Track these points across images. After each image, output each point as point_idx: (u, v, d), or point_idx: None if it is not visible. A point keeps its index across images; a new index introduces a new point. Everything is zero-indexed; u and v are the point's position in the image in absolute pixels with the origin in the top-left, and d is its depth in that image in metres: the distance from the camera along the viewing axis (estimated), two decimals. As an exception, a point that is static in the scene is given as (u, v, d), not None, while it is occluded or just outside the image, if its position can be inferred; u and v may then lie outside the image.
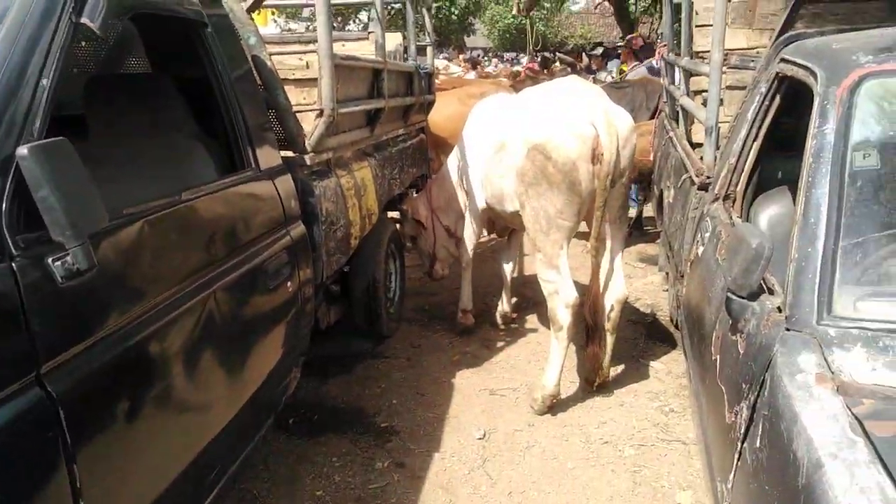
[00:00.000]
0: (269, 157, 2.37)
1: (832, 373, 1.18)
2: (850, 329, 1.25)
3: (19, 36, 1.39)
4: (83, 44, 1.56)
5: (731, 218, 2.00)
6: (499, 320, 3.93)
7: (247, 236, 2.06)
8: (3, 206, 1.21)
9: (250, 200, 2.16)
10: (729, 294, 1.48)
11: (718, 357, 1.59)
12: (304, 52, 3.47)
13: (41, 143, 1.25)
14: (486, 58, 20.24)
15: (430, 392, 3.17)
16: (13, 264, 1.20)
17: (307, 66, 3.80)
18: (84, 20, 1.52)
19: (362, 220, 3.11)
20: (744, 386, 1.37)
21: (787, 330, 1.31)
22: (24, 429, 1.16)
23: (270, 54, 2.68)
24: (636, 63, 7.52)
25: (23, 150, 1.22)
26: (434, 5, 5.69)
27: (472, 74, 10.91)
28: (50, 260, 1.26)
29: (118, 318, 1.44)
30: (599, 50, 11.07)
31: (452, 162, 3.95)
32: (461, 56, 15.70)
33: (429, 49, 5.19)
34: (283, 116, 2.63)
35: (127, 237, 1.52)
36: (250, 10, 2.78)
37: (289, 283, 2.27)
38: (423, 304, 4.32)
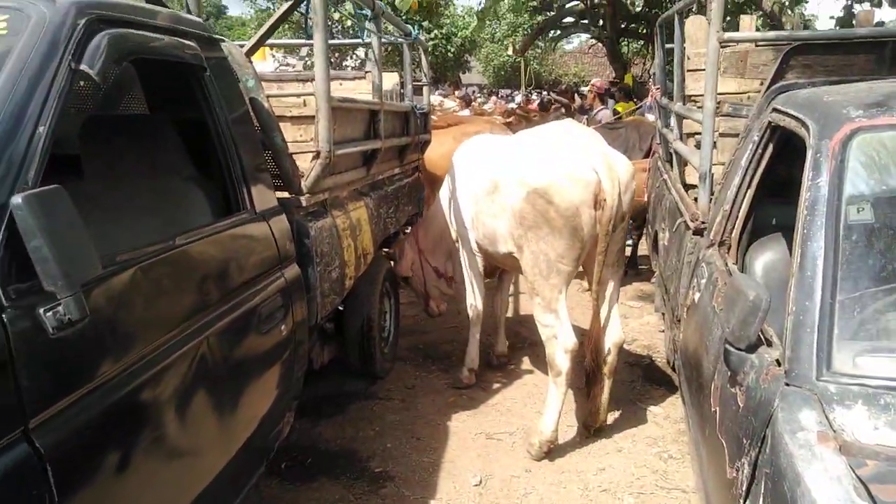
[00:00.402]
0: (264, 198, 2.37)
1: (834, 431, 1.17)
2: (850, 386, 1.24)
3: (18, 82, 1.39)
4: (81, 83, 1.56)
5: (726, 265, 2.00)
6: (494, 360, 3.89)
7: (241, 280, 2.04)
8: (-4, 255, 1.20)
9: (245, 243, 2.15)
10: (727, 346, 1.47)
11: (718, 409, 1.57)
12: (302, 94, 3.51)
13: (36, 191, 1.23)
14: (480, 94, 20.53)
15: (426, 435, 3.12)
16: (3, 316, 1.17)
17: (304, 104, 3.85)
18: (83, 67, 1.52)
19: (357, 260, 3.10)
20: (745, 441, 1.35)
21: (787, 385, 1.29)
22: (10, 487, 1.12)
23: (269, 95, 2.71)
24: (602, 107, 7.70)
25: (17, 199, 1.20)
26: (430, 43, 5.82)
27: (466, 111, 11.03)
28: (41, 310, 1.23)
29: (109, 369, 1.41)
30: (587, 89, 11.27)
31: (439, 203, 3.94)
32: (456, 92, 15.91)
33: (425, 89, 5.27)
34: (279, 158, 2.64)
35: (120, 285, 1.50)
36: (249, 53, 2.82)
37: (283, 327, 2.25)
38: (418, 343, 4.28)
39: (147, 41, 1.83)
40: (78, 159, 1.80)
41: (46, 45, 1.47)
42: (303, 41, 6.40)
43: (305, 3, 2.82)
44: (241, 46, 2.82)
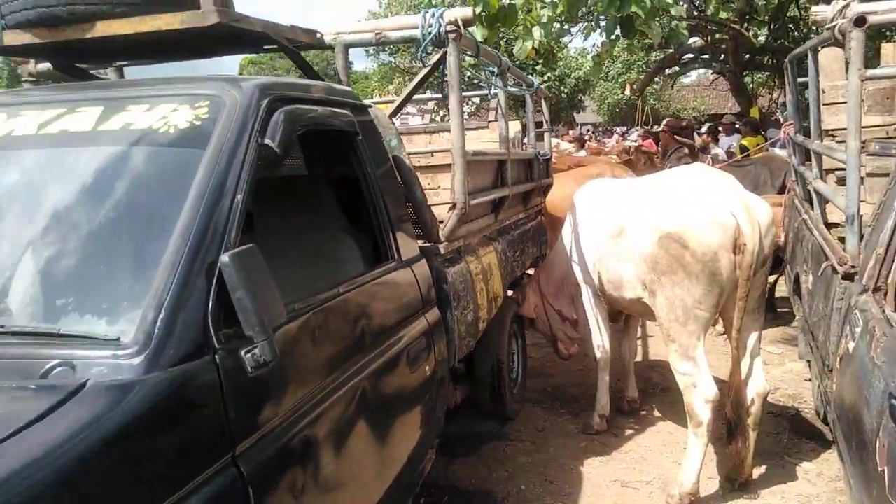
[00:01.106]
0: (408, 247, 2.55)
1: None
2: None
3: (219, 158, 1.64)
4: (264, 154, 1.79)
5: (884, 313, 1.91)
6: (625, 406, 3.83)
7: (392, 323, 2.22)
8: (210, 306, 1.42)
9: (394, 289, 2.33)
10: (893, 401, 1.41)
11: (887, 469, 1.50)
12: (436, 150, 3.74)
13: (238, 250, 1.44)
14: (596, 133, 20.41)
15: (559, 480, 3.12)
16: (216, 357, 1.39)
17: (432, 156, 4.10)
18: (267, 141, 1.77)
19: (489, 303, 3.22)
20: (919, 503, 1.29)
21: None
22: (222, 507, 1.31)
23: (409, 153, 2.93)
24: (677, 146, 7.33)
25: (225, 258, 1.42)
26: (544, 86, 5.96)
27: (582, 152, 11.02)
28: (242, 352, 1.42)
29: (288, 405, 1.59)
30: (705, 127, 10.88)
31: (560, 246, 3.99)
32: (570, 132, 15.92)
33: (546, 134, 5.40)
34: (419, 209, 2.83)
35: (296, 330, 1.69)
36: (392, 114, 3.08)
37: (427, 367, 2.40)
38: (546, 386, 4.30)
39: (312, 114, 2.08)
40: (251, 217, 2.07)
41: (239, 124, 1.73)
42: (429, 96, 6.81)
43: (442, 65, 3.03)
44: (375, 103, 3.09)
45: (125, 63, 3.05)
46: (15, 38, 2.24)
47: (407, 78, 20.34)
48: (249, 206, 1.96)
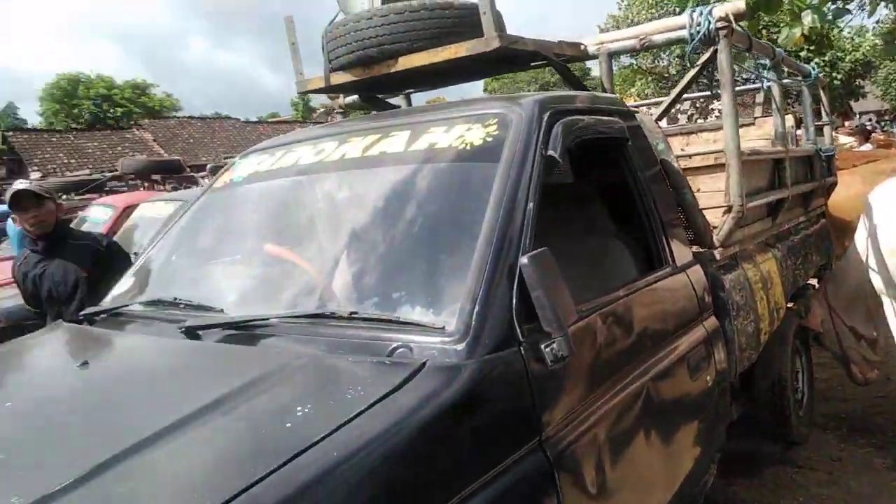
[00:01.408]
0: (681, 252, 2.47)
1: None
2: None
3: (511, 169, 1.79)
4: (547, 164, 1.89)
5: None
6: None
7: (670, 328, 2.18)
8: (514, 302, 1.55)
9: (671, 295, 2.29)
10: None
11: None
12: (690, 154, 3.59)
13: (534, 253, 1.56)
14: (881, 123, 17.43)
15: (866, 518, 2.74)
16: (521, 348, 1.51)
17: (689, 158, 3.94)
18: (550, 152, 1.88)
19: (770, 314, 2.96)
20: None
21: None
22: (531, 487, 1.42)
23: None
24: None
25: (524, 260, 1.54)
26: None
27: (867, 146, 9.50)
28: (542, 346, 1.53)
29: (582, 399, 1.67)
30: None
31: (853, 253, 3.49)
32: (847, 123, 13.79)
33: (826, 129, 4.82)
34: (691, 213, 2.73)
35: (584, 329, 1.75)
36: (658, 119, 3.02)
37: (707, 377, 2.30)
38: (838, 411, 3.79)
39: (588, 124, 2.15)
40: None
41: (525, 138, 1.87)
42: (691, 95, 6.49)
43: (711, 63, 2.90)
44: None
45: (412, 91, 3.47)
46: (338, 77, 2.71)
47: (650, 78, 19.60)
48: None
